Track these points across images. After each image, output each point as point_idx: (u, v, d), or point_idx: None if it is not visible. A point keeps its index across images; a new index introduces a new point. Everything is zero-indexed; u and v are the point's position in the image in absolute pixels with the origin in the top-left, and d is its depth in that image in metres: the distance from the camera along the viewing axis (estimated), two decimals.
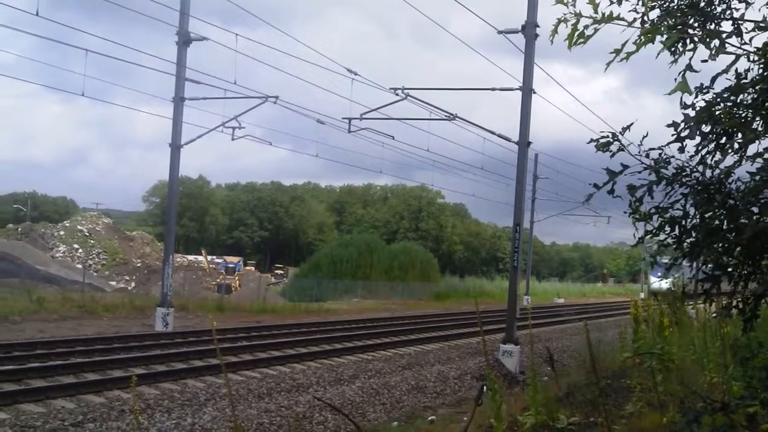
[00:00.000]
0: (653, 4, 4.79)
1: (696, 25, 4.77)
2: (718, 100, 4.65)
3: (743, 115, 4.73)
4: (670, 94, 4.37)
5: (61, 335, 21.24)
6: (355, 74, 24.27)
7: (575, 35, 4.59)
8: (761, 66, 4.61)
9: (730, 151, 4.76)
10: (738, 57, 4.49)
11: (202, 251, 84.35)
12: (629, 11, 4.70)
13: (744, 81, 4.62)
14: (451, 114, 23.91)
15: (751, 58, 4.56)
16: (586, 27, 4.58)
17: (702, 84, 4.66)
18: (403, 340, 24.25)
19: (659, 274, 66.25)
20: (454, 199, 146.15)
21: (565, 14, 4.60)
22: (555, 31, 4.67)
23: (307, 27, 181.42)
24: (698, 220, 4.78)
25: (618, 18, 4.55)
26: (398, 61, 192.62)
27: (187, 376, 15.70)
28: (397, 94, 23.36)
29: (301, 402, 13.57)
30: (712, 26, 4.78)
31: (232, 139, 26.92)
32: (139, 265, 65.50)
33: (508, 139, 23.20)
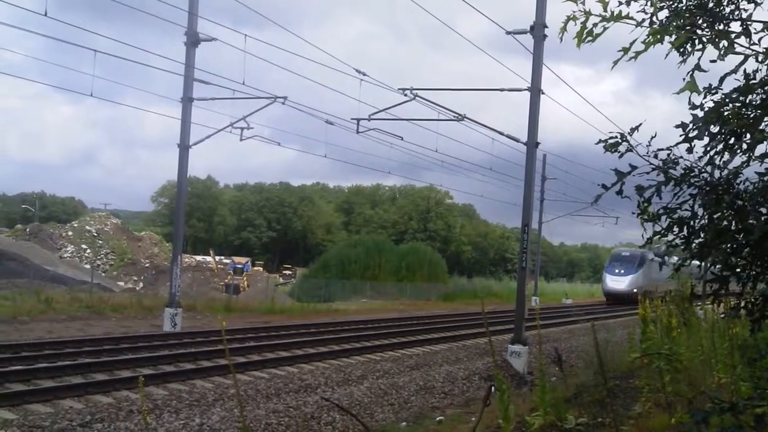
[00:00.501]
0: (662, 4, 4.79)
1: (704, 25, 4.77)
2: (727, 100, 4.64)
3: (752, 115, 4.72)
4: (678, 93, 4.37)
5: (70, 335, 21.29)
6: (364, 75, 24.28)
7: (584, 33, 4.59)
8: None
9: (738, 151, 4.76)
10: (746, 57, 4.49)
11: (211, 252, 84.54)
12: (638, 11, 4.70)
13: (753, 81, 4.61)
14: (460, 114, 23.92)
15: (760, 59, 4.55)
16: (594, 25, 4.58)
17: (710, 84, 4.65)
18: (411, 340, 24.22)
19: (617, 271, 57.53)
20: (463, 199, 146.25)
21: (574, 12, 4.60)
22: (564, 29, 4.67)
23: (316, 28, 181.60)
24: (706, 221, 4.77)
25: (627, 17, 4.55)
26: (406, 61, 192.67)
27: (196, 376, 15.69)
28: (405, 95, 23.38)
29: (309, 402, 13.57)
30: (721, 27, 4.77)
31: (241, 140, 27.00)
32: (147, 265, 65.66)
33: (516, 140, 23.19)
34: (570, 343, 24.35)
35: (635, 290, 51.57)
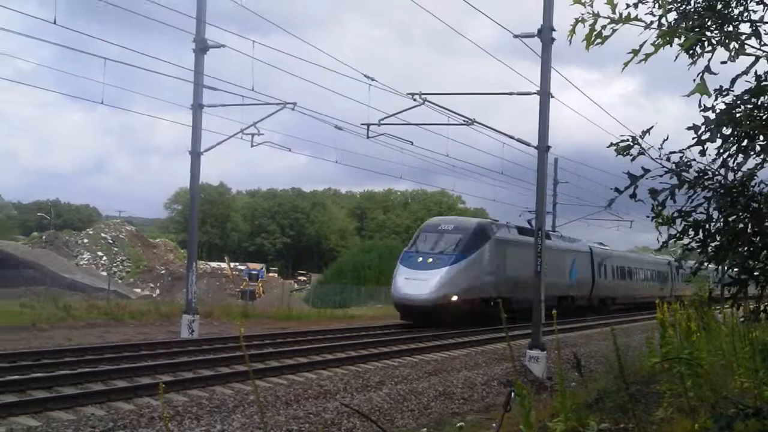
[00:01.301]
0: (670, 6, 4.82)
1: (714, 27, 4.81)
2: (738, 102, 4.67)
3: (764, 117, 4.75)
4: (688, 95, 4.39)
5: (89, 342, 21.42)
6: (372, 80, 24.33)
7: (593, 35, 4.62)
8: None
9: (752, 153, 4.78)
10: (757, 59, 4.52)
11: (225, 258, 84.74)
12: (646, 13, 4.73)
13: (764, 83, 4.64)
14: (470, 119, 23.99)
15: None
16: (603, 27, 4.60)
17: (721, 86, 4.69)
18: (428, 345, 24.20)
19: (419, 261, 30.38)
20: (475, 203, 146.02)
21: (582, 14, 4.63)
22: (573, 31, 4.69)
23: (323, 33, 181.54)
24: (722, 224, 4.80)
25: (636, 19, 4.58)
26: (415, 66, 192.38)
27: (215, 382, 15.76)
28: (414, 99, 23.43)
29: (328, 409, 13.62)
30: (730, 28, 4.81)
31: (252, 146, 27.02)
32: (163, 272, 65.94)
33: (527, 144, 23.21)
34: (588, 348, 24.28)
35: (455, 297, 29.32)
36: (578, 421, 8.97)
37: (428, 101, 23.23)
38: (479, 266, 31.33)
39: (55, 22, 19.25)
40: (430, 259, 30.24)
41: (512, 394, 8.03)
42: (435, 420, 14.17)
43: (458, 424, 13.49)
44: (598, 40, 4.65)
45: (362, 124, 26.48)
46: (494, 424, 11.08)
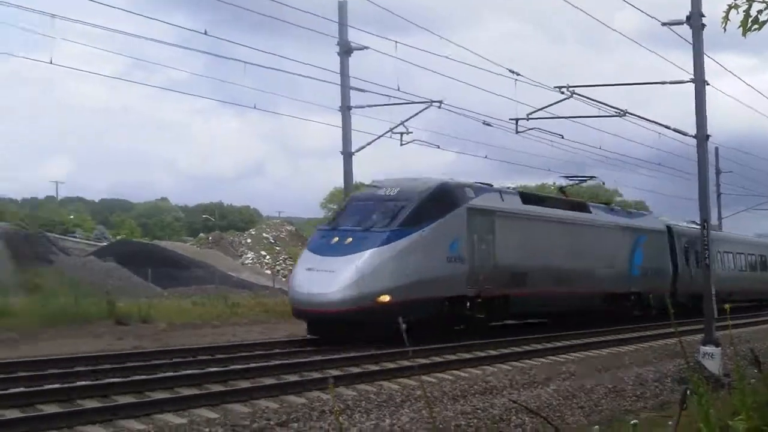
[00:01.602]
0: None
1: None
2: None
3: None
4: None
5: (259, 339, 22.12)
6: (518, 75, 24.21)
7: (748, 21, 4.37)
8: None
9: None
10: None
11: None
12: None
13: None
14: (621, 110, 23.61)
15: None
16: (759, 12, 4.34)
17: None
18: (595, 341, 23.65)
19: (334, 242, 20.22)
20: (632, 195, 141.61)
21: (735, 0, 4.39)
22: (726, 18, 4.44)
23: (465, 31, 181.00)
24: None
25: None
26: (560, 59, 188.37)
27: (381, 377, 15.92)
28: (562, 92, 23.13)
29: (496, 404, 13.48)
30: None
31: (401, 145, 27.40)
32: None
33: (684, 134, 22.60)
34: (766, 344, 23.07)
35: (387, 296, 19.21)
36: (762, 419, 8.52)
37: (576, 93, 22.94)
38: (436, 247, 20.69)
39: (206, 33, 20.17)
40: (350, 239, 19.82)
41: (688, 391, 7.74)
42: (607, 417, 13.80)
43: (632, 422, 13.06)
44: (755, 26, 4.39)
45: (510, 119, 26.40)
46: (670, 422, 10.69)
